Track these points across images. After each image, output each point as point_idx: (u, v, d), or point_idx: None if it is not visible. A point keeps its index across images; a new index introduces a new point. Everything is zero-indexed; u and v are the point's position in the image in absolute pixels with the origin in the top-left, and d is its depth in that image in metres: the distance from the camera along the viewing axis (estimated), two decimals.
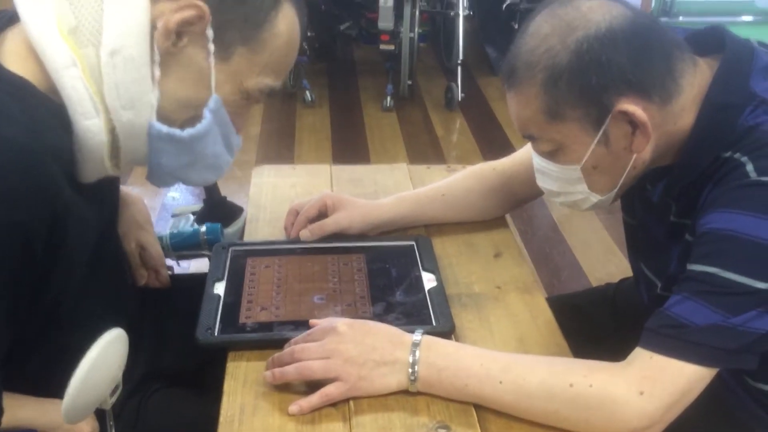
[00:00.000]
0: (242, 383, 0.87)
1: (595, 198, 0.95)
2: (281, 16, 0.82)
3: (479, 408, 0.84)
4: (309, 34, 3.68)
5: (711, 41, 0.92)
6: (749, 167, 0.81)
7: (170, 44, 0.76)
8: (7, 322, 0.74)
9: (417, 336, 0.87)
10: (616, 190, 0.93)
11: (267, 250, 1.10)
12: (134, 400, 0.99)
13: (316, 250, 1.10)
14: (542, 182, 0.97)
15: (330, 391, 0.84)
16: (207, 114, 0.80)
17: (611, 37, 0.83)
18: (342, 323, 0.88)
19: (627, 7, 0.86)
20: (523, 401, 0.82)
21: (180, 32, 0.76)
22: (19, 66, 0.75)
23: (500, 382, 0.83)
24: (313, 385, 0.85)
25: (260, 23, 0.80)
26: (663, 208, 0.94)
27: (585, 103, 0.85)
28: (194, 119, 0.80)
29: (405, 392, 0.85)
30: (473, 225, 1.20)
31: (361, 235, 1.14)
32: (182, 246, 1.15)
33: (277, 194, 1.28)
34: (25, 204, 0.70)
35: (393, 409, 0.84)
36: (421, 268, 1.06)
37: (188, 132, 0.79)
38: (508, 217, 1.25)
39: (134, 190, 1.20)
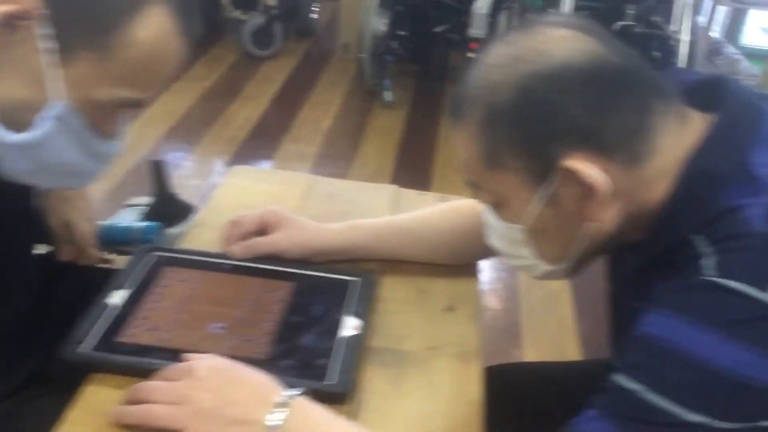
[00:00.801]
0: (92, 414, 0.77)
1: (544, 267, 0.78)
2: (141, 22, 0.70)
3: None
4: (402, 33, 3.56)
5: (713, 94, 0.73)
6: (708, 261, 0.63)
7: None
8: None
9: (285, 395, 0.73)
10: (568, 262, 0.76)
11: (193, 261, 0.99)
12: (9, 403, 0.91)
13: (244, 270, 0.98)
14: (490, 238, 0.82)
15: None
16: (47, 121, 0.70)
17: (566, 76, 0.67)
18: (205, 365, 0.75)
19: (602, 42, 0.69)
20: None
21: (10, 25, 0.66)
22: None
23: None
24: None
25: (109, 28, 0.69)
26: (640, 283, 0.77)
27: (527, 153, 0.69)
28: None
29: None
30: (436, 268, 1.04)
31: (304, 261, 1.01)
32: (111, 241, 1.06)
33: (241, 200, 1.17)
34: None
35: None
36: (349, 310, 0.92)
37: (18, 138, 0.70)
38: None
39: None
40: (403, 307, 0.97)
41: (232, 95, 3.40)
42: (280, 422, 0.71)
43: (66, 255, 1.04)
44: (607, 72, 0.68)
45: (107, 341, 0.84)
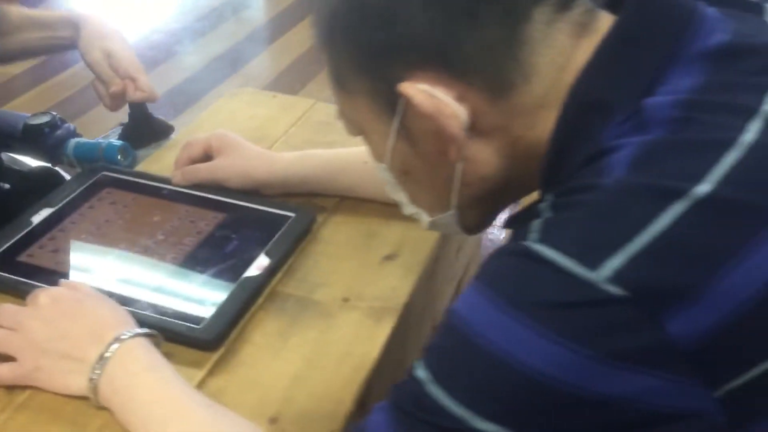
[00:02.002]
0: None
1: (426, 217, 0.63)
2: None
3: None
4: None
5: None
6: (539, 221, 0.46)
7: None
8: None
9: (120, 335, 0.66)
10: (451, 212, 0.60)
11: (135, 185, 0.93)
12: None
13: (178, 197, 0.91)
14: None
15: (1, 370, 0.68)
16: None
17: None
18: (49, 295, 0.70)
19: None
20: None
21: None
22: None
23: None
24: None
25: None
26: None
27: (368, 73, 0.54)
28: None
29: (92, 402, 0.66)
30: (397, 212, 0.90)
31: (250, 193, 0.92)
32: (83, 158, 1.03)
33: (225, 123, 1.08)
34: None
35: (58, 418, 0.65)
36: (265, 249, 0.82)
37: None
38: None
39: None
40: (337, 251, 0.86)
41: None
42: (107, 359, 0.64)
43: (115, 88, 1.02)
44: None
45: (7, 258, 0.81)
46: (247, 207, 0.89)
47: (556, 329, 0.42)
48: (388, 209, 0.90)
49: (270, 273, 0.80)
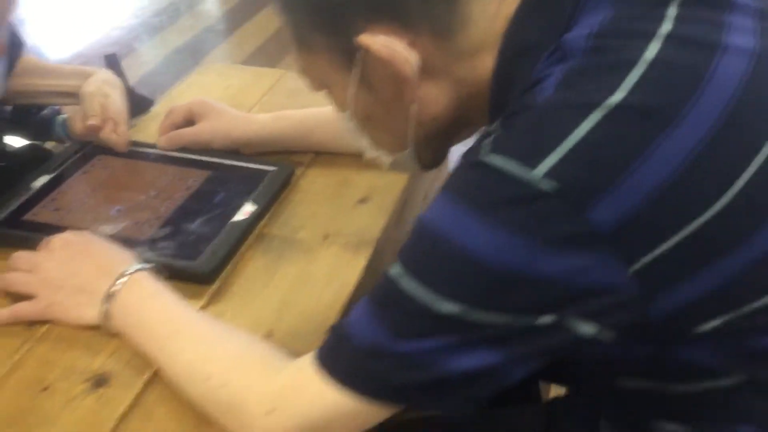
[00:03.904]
0: None
1: (387, 158, 0.73)
2: None
3: None
4: None
5: None
6: (489, 140, 0.56)
7: None
8: None
9: (129, 269, 0.75)
10: (409, 150, 0.70)
11: (127, 152, 1.02)
12: None
13: (166, 159, 0.99)
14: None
15: (22, 308, 0.75)
16: None
17: None
18: (59, 239, 0.78)
19: None
20: (174, 381, 0.67)
21: None
22: None
23: (162, 351, 0.69)
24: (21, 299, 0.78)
25: None
26: None
27: (326, 30, 0.63)
28: None
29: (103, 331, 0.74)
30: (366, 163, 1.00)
31: (233, 152, 1.01)
32: (63, 131, 1.11)
33: (201, 95, 1.16)
34: None
35: (75, 345, 0.74)
36: (251, 197, 0.91)
37: None
38: None
39: None
40: (315, 198, 0.95)
41: None
42: (117, 290, 0.73)
43: (95, 122, 0.98)
44: None
45: (14, 219, 0.89)
46: (231, 164, 0.98)
47: (503, 222, 0.52)
48: (359, 161, 0.99)
49: (256, 217, 0.88)
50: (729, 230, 0.53)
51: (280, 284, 0.81)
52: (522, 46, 0.59)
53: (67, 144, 1.11)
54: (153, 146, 1.01)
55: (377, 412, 0.58)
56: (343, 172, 0.99)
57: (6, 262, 0.80)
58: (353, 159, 0.99)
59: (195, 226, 0.87)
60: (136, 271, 0.74)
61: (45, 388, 0.69)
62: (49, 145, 1.21)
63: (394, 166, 0.74)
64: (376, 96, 0.65)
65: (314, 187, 0.97)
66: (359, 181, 0.97)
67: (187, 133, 1.00)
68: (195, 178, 0.96)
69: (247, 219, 0.88)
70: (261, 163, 0.98)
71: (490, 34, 0.60)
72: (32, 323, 0.76)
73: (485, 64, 0.61)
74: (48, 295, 0.75)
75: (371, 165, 0.98)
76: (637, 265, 0.52)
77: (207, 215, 0.89)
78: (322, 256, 0.85)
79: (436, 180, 1.22)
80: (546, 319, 0.53)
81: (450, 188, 0.56)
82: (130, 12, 3.62)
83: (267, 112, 1.10)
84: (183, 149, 1.00)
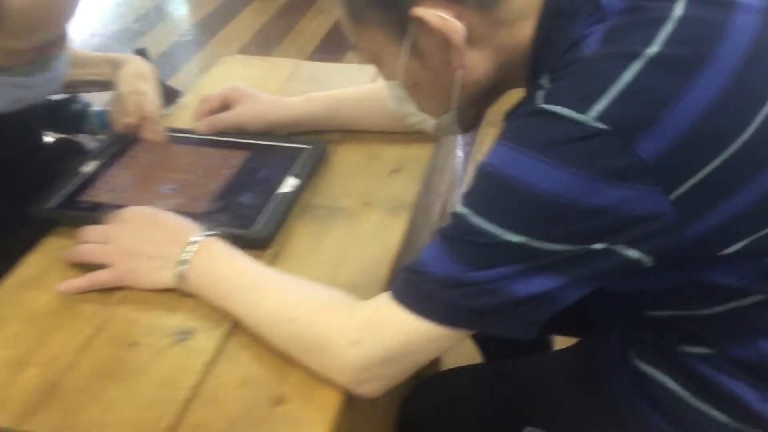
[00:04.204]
0: (49, 259, 0.88)
1: (431, 120, 0.81)
2: None
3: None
4: None
5: None
6: (542, 92, 0.64)
7: None
8: None
9: (200, 236, 0.81)
10: (452, 112, 0.78)
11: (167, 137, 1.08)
12: None
13: (206, 143, 1.06)
14: (389, 99, 0.84)
15: (99, 275, 0.82)
16: None
17: None
18: (130, 212, 0.85)
19: None
20: (256, 328, 0.74)
21: None
22: None
23: (243, 302, 0.76)
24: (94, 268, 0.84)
25: None
26: None
27: (382, 5, 0.71)
28: None
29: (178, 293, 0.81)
30: (392, 136, 1.07)
31: (266, 134, 1.08)
32: (94, 123, 1.17)
33: (224, 84, 1.24)
34: None
35: (153, 307, 0.80)
36: (293, 173, 0.98)
37: None
38: None
39: None
40: (350, 170, 1.02)
41: (305, 8, 3.46)
42: (189, 256, 0.79)
43: (132, 121, 1.03)
44: None
45: (71, 200, 0.95)
46: (268, 144, 1.05)
47: (560, 159, 0.60)
48: (384, 137, 1.08)
49: (300, 189, 0.96)
50: (754, 158, 0.62)
51: (330, 246, 0.89)
52: (560, 11, 0.67)
53: (101, 136, 1.17)
54: (190, 132, 1.08)
55: (452, 337, 0.66)
56: (371, 147, 1.07)
57: (75, 238, 0.86)
58: (380, 136, 1.08)
59: (245, 199, 0.94)
60: (206, 236, 0.81)
61: (132, 344, 0.76)
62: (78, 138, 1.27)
63: (438, 128, 0.82)
64: (425, 64, 0.73)
65: (347, 160, 1.05)
66: (388, 154, 1.05)
67: (225, 117, 1.07)
68: (237, 158, 1.02)
69: (292, 191, 0.95)
70: (296, 142, 1.05)
71: (530, 4, 0.69)
72: (107, 290, 0.82)
73: (524, 30, 0.70)
74: (124, 262, 0.81)
75: (396, 139, 1.07)
76: (676, 193, 0.61)
77: (254, 189, 0.96)
78: (365, 220, 0.93)
79: (450, 154, 1.31)
80: (598, 246, 0.62)
81: (507, 137, 0.64)
82: (109, 18, 3.65)
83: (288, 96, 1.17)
84: (220, 133, 1.07)
